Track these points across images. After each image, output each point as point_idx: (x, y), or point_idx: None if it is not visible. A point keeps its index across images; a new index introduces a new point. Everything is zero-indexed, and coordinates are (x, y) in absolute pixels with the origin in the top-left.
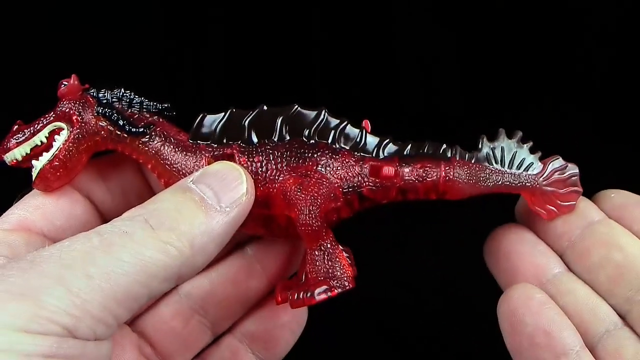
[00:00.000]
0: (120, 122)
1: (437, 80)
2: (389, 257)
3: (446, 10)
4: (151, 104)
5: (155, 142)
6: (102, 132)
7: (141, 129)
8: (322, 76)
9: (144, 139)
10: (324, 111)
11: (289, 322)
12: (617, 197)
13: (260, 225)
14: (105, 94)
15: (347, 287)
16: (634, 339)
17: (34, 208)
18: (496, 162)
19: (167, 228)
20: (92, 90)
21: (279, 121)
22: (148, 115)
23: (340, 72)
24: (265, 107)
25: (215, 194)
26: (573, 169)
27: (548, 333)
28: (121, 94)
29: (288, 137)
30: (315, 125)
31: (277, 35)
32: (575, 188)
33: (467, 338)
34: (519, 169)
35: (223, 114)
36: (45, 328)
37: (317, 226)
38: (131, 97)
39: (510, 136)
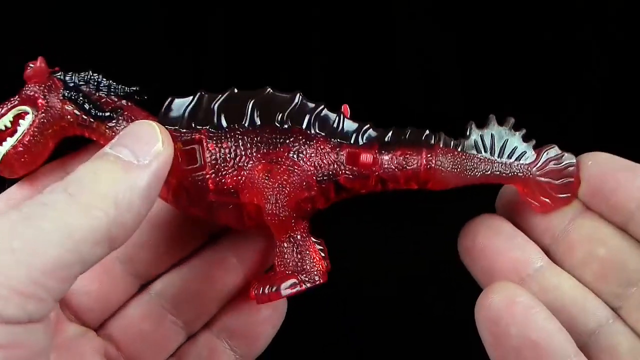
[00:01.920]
0: (87, 106)
1: (438, 80)
2: (369, 253)
3: (446, 10)
4: (119, 87)
5: (122, 126)
6: (68, 117)
7: (107, 113)
8: (322, 76)
9: (110, 124)
10: (298, 94)
11: (270, 317)
12: (594, 164)
13: (231, 215)
14: (73, 77)
15: (317, 282)
16: (628, 334)
17: None
18: (485, 151)
19: (87, 192)
20: (60, 73)
21: (250, 105)
22: (116, 99)
23: (341, 73)
24: (236, 90)
25: (132, 151)
26: (570, 159)
27: (537, 344)
28: (89, 77)
29: (259, 122)
30: (289, 110)
31: (278, 35)
32: (572, 179)
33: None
34: (510, 158)
35: (192, 97)
36: None
37: (285, 216)
38: (99, 80)
39: (501, 123)
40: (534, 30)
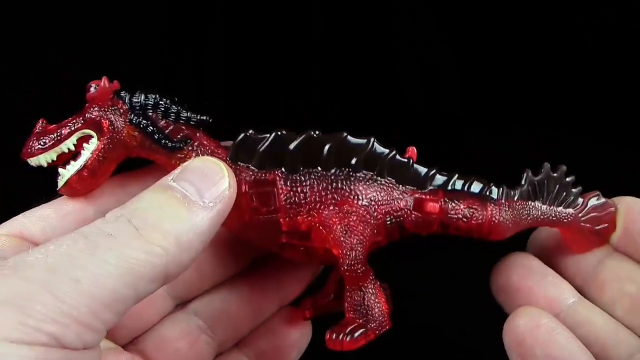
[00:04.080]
0: (155, 136)
1: (437, 80)
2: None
3: (446, 10)
4: (189, 115)
5: (190, 157)
6: (134, 143)
7: (177, 144)
8: (322, 77)
9: (179, 155)
10: (372, 140)
11: (298, 340)
12: (623, 208)
13: (299, 255)
14: (139, 99)
15: (385, 328)
16: None
17: (37, 219)
18: (537, 198)
19: (151, 227)
20: (124, 94)
21: (326, 149)
22: (184, 127)
23: (341, 73)
24: (313, 134)
25: (197, 190)
26: (611, 207)
27: None
28: (156, 101)
29: (334, 167)
30: (362, 155)
31: (278, 35)
32: (609, 225)
33: None
34: (560, 205)
35: (267, 135)
36: (31, 337)
37: (362, 271)
38: (167, 105)
39: (554, 170)
40: (533, 29)
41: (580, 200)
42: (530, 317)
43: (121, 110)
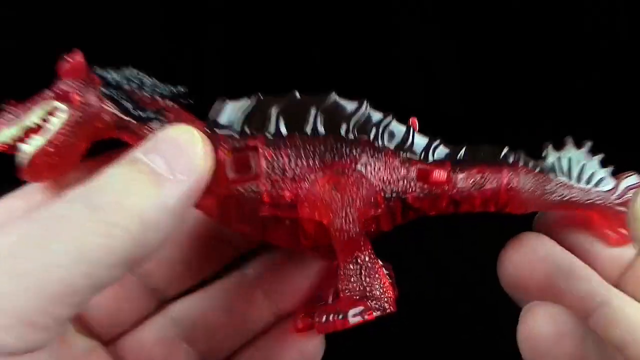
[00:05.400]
0: (128, 106)
1: (438, 80)
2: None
3: (447, 11)
4: (165, 87)
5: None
6: (107, 117)
7: (151, 114)
8: (322, 76)
9: (152, 125)
10: (365, 103)
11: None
12: None
13: (285, 233)
14: (113, 74)
15: (388, 310)
16: None
17: (4, 211)
18: (563, 174)
19: (110, 206)
20: (98, 69)
21: (312, 111)
22: (161, 101)
23: (341, 73)
24: (297, 94)
25: (167, 162)
26: None
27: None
28: (131, 74)
29: (323, 131)
30: (355, 119)
31: (278, 35)
32: None
33: None
34: (589, 184)
35: (247, 99)
36: None
37: (355, 233)
38: (142, 78)
39: (578, 146)
40: (534, 29)
41: (612, 181)
42: (544, 311)
43: (94, 83)
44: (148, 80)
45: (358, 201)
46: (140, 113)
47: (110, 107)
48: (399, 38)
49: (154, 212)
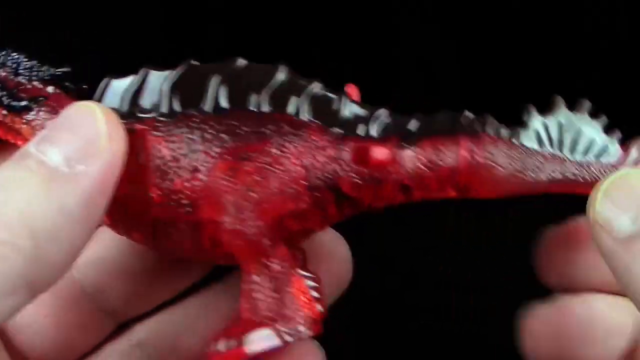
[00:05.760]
0: None
1: (438, 80)
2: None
3: (447, 9)
4: (44, 69)
5: (42, 120)
6: None
7: (24, 103)
8: (322, 76)
9: (27, 116)
10: (282, 67)
11: None
12: None
13: (184, 240)
14: None
15: (303, 334)
16: None
17: None
18: (552, 145)
19: None
20: None
21: (212, 82)
22: (41, 86)
23: (341, 72)
24: (194, 63)
25: (62, 151)
26: None
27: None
28: (5, 58)
29: (226, 105)
30: (268, 88)
31: (278, 35)
32: None
33: None
34: (587, 155)
35: (134, 77)
36: None
37: (253, 233)
38: (18, 61)
39: (572, 108)
40: (534, 29)
41: (618, 150)
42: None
43: None
44: (26, 62)
45: (258, 191)
46: (12, 101)
47: None
48: (399, 38)
49: (47, 217)
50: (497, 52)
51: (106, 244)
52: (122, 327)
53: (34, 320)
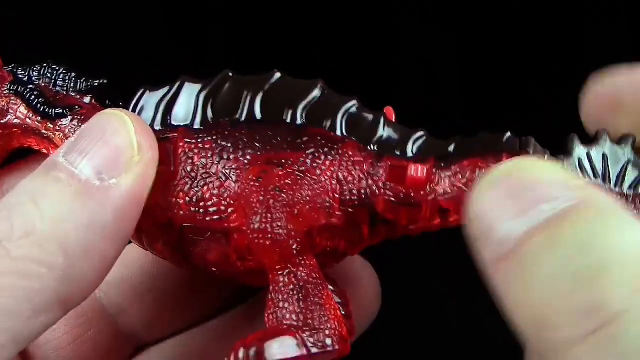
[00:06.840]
0: (34, 101)
1: (438, 80)
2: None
3: (447, 9)
4: (81, 80)
5: (75, 128)
6: (14, 118)
7: (59, 110)
8: (322, 77)
9: (61, 123)
10: (319, 84)
11: None
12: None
13: (211, 252)
14: (28, 70)
15: (330, 349)
16: None
17: None
18: (595, 176)
19: (20, 235)
20: (13, 66)
21: (247, 93)
22: (78, 97)
23: (341, 73)
24: (231, 74)
25: (93, 163)
26: None
27: None
28: (46, 69)
29: (260, 116)
30: (304, 102)
31: (278, 35)
32: None
33: None
34: (632, 189)
35: (169, 86)
36: None
37: (282, 234)
38: (58, 72)
39: (615, 139)
40: (534, 29)
41: None
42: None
43: (4, 81)
44: (65, 74)
45: (294, 197)
46: (47, 108)
47: (19, 106)
48: (399, 38)
49: (81, 233)
50: (496, 51)
51: (129, 263)
52: (139, 350)
53: (53, 336)
